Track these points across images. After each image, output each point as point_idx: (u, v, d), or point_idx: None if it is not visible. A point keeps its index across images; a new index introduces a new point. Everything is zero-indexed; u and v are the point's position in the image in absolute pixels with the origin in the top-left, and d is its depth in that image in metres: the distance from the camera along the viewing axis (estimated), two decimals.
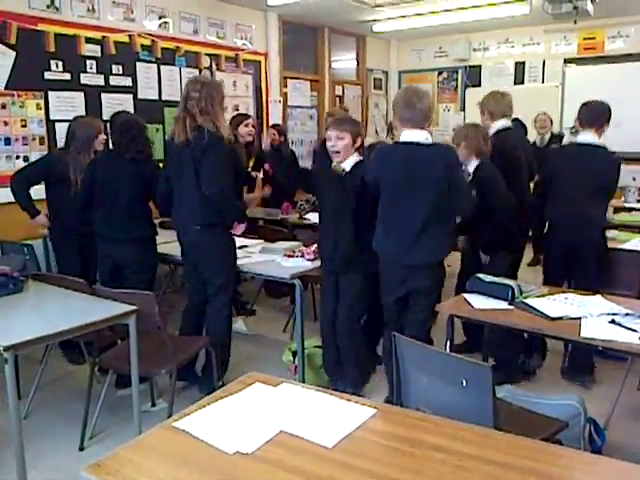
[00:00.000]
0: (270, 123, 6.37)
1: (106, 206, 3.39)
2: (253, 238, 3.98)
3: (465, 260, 3.78)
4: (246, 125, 4.63)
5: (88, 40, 4.86)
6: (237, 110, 6.02)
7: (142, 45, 5.31)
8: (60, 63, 4.69)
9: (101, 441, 2.87)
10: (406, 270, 2.85)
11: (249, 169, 4.88)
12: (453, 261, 3.86)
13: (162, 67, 5.53)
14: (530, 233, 4.08)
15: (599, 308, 2.43)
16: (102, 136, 3.78)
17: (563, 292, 2.70)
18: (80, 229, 3.60)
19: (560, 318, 2.34)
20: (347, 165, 3.05)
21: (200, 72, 5.84)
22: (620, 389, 3.04)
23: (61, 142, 4.00)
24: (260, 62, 6.64)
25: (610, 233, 3.84)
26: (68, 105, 4.74)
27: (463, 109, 8.34)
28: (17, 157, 4.48)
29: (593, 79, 6.91)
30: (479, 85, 8.13)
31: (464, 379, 1.80)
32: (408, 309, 2.94)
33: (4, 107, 4.38)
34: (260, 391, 1.71)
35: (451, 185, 2.76)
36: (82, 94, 4.85)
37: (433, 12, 6.59)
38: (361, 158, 3.10)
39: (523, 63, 7.81)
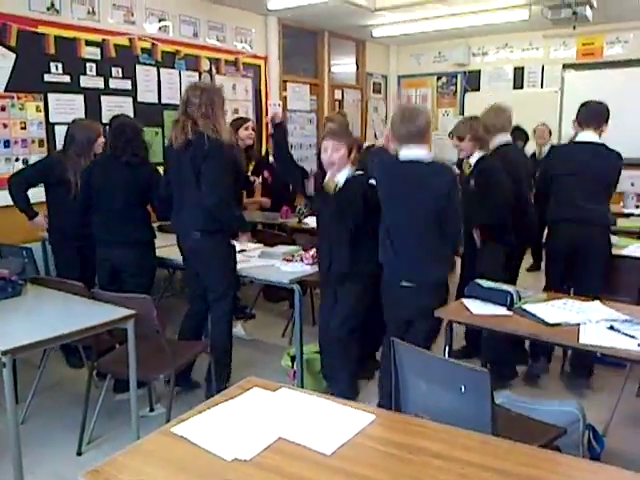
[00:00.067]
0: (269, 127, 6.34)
1: (103, 209, 3.39)
2: (252, 242, 3.97)
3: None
4: (246, 128, 4.63)
5: (88, 43, 4.86)
6: (237, 113, 6.02)
7: (142, 48, 5.30)
8: (60, 65, 4.68)
9: (99, 446, 2.86)
10: (406, 290, 2.75)
11: (248, 173, 4.87)
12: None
13: (162, 70, 5.52)
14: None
15: (598, 314, 2.43)
16: (102, 139, 3.77)
17: (562, 298, 2.69)
18: (79, 232, 3.59)
19: (559, 324, 2.33)
20: (341, 178, 3.01)
21: (200, 75, 5.85)
22: (619, 396, 3.03)
23: (60, 145, 3.99)
24: (260, 66, 6.64)
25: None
26: (68, 108, 4.73)
27: (462, 114, 8.34)
28: (16, 159, 4.47)
29: (592, 84, 6.92)
30: (478, 90, 8.15)
31: (463, 385, 1.80)
32: (410, 331, 2.79)
33: (4, 109, 4.37)
34: (259, 396, 1.71)
35: (447, 209, 2.67)
36: (82, 97, 4.84)
37: (433, 17, 6.60)
38: (354, 171, 3.06)
39: (522, 68, 7.82)
